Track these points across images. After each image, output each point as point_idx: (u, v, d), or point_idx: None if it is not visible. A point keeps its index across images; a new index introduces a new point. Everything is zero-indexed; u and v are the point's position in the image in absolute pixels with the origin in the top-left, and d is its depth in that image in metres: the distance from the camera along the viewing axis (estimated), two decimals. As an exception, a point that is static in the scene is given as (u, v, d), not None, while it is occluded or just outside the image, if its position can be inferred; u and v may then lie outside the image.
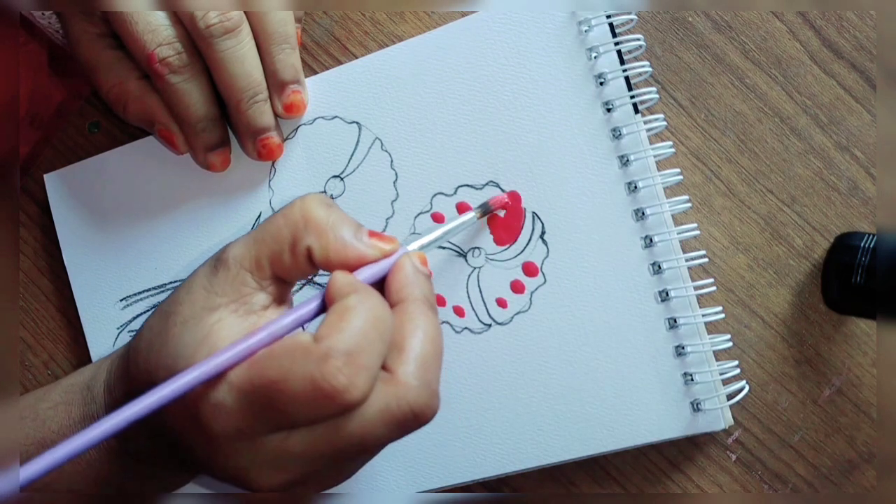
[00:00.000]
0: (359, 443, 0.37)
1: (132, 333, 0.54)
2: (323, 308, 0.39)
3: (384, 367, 0.38)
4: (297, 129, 0.52)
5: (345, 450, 0.37)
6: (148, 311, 0.54)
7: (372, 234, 0.41)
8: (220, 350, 0.37)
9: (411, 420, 0.37)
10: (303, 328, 0.39)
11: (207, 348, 0.38)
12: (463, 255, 0.50)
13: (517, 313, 0.50)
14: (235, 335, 0.38)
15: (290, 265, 0.40)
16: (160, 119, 0.49)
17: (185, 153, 0.51)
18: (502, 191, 0.49)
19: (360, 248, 0.40)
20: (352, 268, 0.40)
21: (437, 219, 0.50)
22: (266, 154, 0.50)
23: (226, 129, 0.51)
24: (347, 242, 0.40)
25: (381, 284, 0.40)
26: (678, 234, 0.48)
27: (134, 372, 0.42)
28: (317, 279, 0.52)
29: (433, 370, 0.39)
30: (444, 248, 0.50)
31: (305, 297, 0.51)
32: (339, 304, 0.37)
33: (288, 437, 0.37)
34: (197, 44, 0.47)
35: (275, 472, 0.38)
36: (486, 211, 0.48)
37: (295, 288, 0.52)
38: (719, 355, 0.49)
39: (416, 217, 0.50)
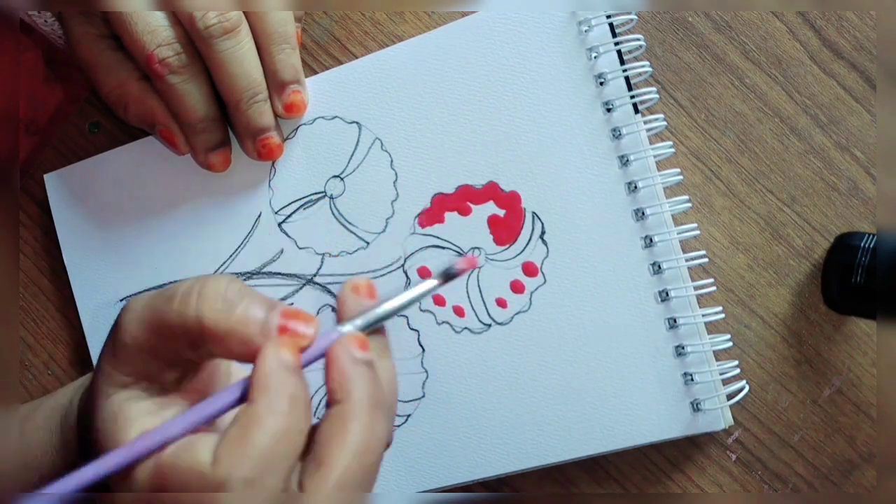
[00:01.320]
0: None
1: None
2: (244, 397, 0.35)
3: (300, 484, 0.34)
4: (297, 128, 0.52)
5: None
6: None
7: (286, 314, 0.36)
8: (125, 444, 0.35)
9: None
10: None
11: (113, 428, 0.36)
12: (463, 255, 0.50)
13: (517, 313, 0.50)
14: (140, 423, 0.36)
15: (196, 360, 0.37)
16: (161, 120, 0.49)
17: (186, 153, 0.51)
18: (503, 191, 0.49)
19: (268, 350, 0.35)
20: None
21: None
22: (266, 154, 0.50)
23: (226, 129, 0.51)
24: (253, 347, 0.35)
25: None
26: (678, 234, 0.48)
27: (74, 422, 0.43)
28: (317, 279, 0.52)
29: (353, 490, 0.34)
30: (444, 248, 0.50)
31: (305, 298, 0.51)
32: (245, 410, 0.34)
33: None
34: (196, 44, 0.47)
35: None
36: (450, 276, 0.39)
37: (295, 287, 0.52)
38: (719, 355, 0.49)
39: (415, 217, 0.50)
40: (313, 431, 0.36)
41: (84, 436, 0.43)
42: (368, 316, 0.37)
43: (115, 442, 0.36)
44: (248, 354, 0.35)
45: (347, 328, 0.37)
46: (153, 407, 0.37)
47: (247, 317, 0.35)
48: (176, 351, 0.36)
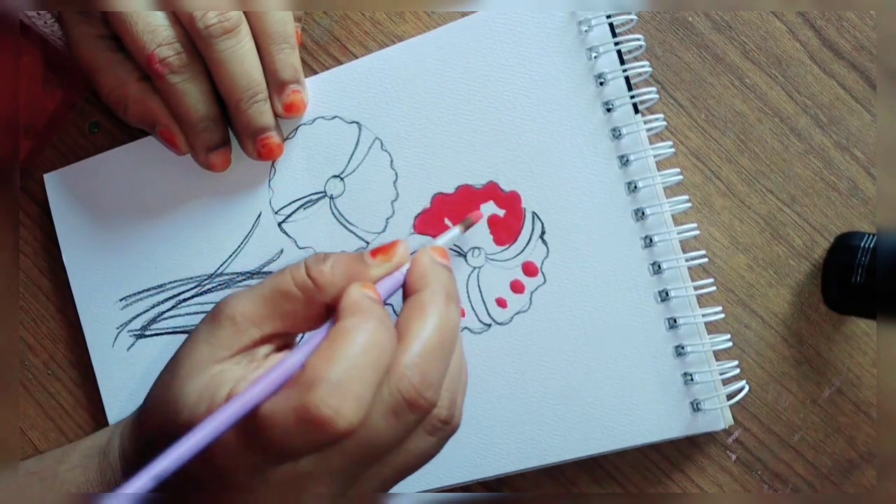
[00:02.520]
0: (368, 447, 0.37)
1: (132, 333, 0.54)
2: None
3: None
4: (297, 128, 0.52)
5: (359, 459, 0.37)
6: (148, 310, 0.54)
7: (376, 251, 0.41)
8: (234, 396, 0.36)
9: (405, 410, 0.37)
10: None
11: (209, 394, 0.38)
12: (462, 254, 0.50)
13: (517, 313, 0.50)
14: (238, 380, 0.38)
15: (305, 323, 0.40)
16: (161, 120, 0.49)
17: (186, 153, 0.51)
18: (503, 191, 0.49)
19: (371, 272, 0.40)
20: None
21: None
22: (266, 154, 0.50)
23: (226, 128, 0.51)
24: (356, 276, 0.40)
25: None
26: (678, 234, 0.48)
27: (140, 432, 0.43)
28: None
29: (434, 362, 0.38)
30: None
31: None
32: (336, 327, 0.37)
33: (297, 464, 0.37)
34: (196, 44, 0.47)
35: (298, 496, 0.38)
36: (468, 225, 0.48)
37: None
38: (719, 355, 0.49)
39: (416, 217, 0.50)
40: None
41: (136, 453, 0.44)
42: (440, 239, 0.45)
43: (206, 402, 0.38)
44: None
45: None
46: (244, 372, 0.39)
47: (343, 259, 0.40)
48: (288, 316, 0.40)
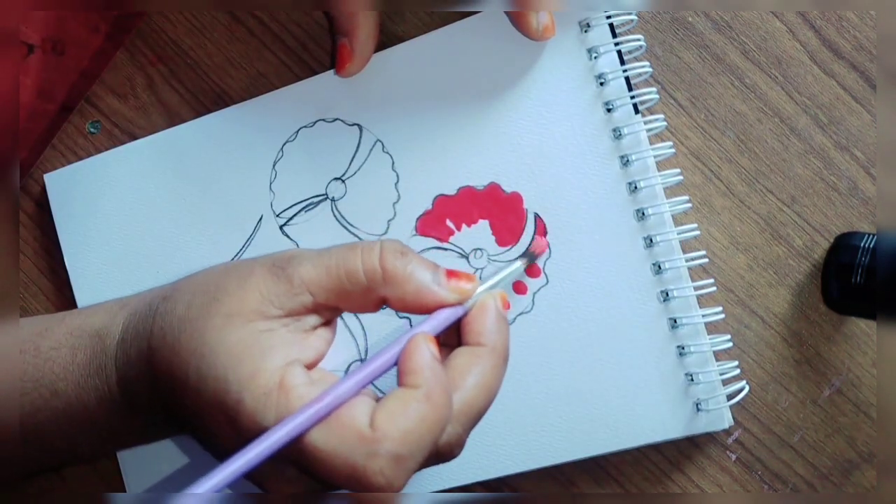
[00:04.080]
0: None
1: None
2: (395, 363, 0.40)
3: None
4: (297, 131, 0.52)
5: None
6: (148, 311, 0.54)
7: (450, 274, 0.41)
8: (299, 409, 0.37)
9: (433, 458, 0.39)
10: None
11: (255, 359, 0.38)
12: (465, 256, 0.50)
13: (519, 314, 0.50)
14: (285, 351, 0.39)
15: (359, 306, 0.41)
16: None
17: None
18: (504, 192, 0.49)
19: (440, 294, 0.40)
20: (430, 311, 0.41)
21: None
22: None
23: None
24: (424, 290, 0.40)
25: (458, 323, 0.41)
26: (678, 234, 0.48)
27: (157, 343, 0.42)
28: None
29: (471, 419, 0.39)
30: (446, 249, 0.50)
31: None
32: (404, 392, 0.37)
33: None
34: None
35: (293, 486, 0.39)
36: (532, 258, 0.49)
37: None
38: (719, 355, 0.49)
39: (417, 219, 0.50)
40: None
41: (146, 362, 0.43)
42: (495, 279, 0.44)
43: (250, 361, 0.38)
44: (419, 299, 0.40)
45: (482, 288, 0.42)
46: (295, 339, 0.40)
47: (421, 266, 0.41)
48: (345, 294, 0.40)
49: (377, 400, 0.38)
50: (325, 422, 0.37)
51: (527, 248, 0.49)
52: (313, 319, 0.41)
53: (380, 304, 0.41)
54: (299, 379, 0.38)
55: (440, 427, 0.37)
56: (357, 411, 0.37)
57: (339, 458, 0.36)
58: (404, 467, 0.36)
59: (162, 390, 0.41)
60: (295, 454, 0.37)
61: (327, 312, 0.41)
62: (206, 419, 0.39)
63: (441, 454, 0.39)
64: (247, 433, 0.37)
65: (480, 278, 0.48)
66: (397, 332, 0.50)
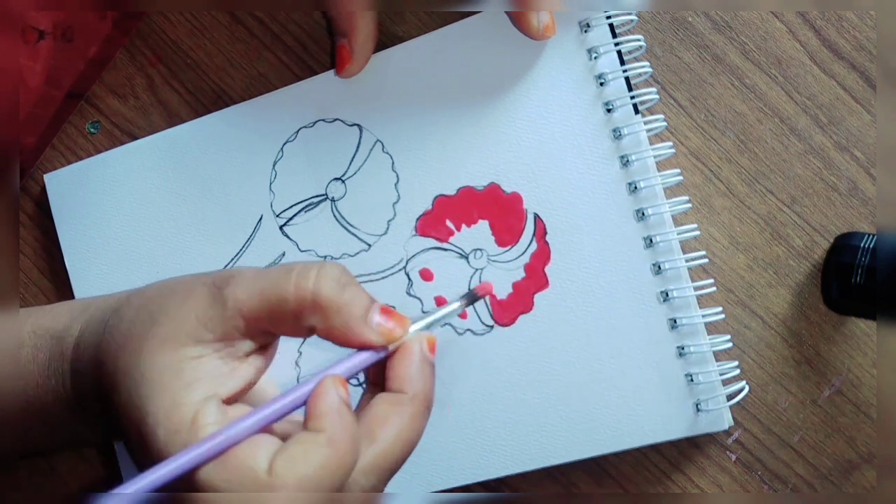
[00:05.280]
0: None
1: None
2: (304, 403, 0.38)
3: None
4: (297, 131, 0.52)
5: None
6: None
7: (384, 311, 0.40)
8: (204, 438, 0.36)
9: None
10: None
11: (176, 391, 0.38)
12: (465, 256, 0.50)
13: (520, 314, 0.50)
14: (207, 385, 0.38)
15: (290, 331, 0.40)
16: None
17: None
18: (504, 192, 0.49)
19: (365, 335, 0.39)
20: (355, 347, 0.40)
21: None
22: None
23: None
24: (352, 326, 0.39)
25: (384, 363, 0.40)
26: (678, 234, 0.48)
27: (103, 356, 0.42)
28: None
29: (387, 471, 0.38)
30: (446, 249, 0.50)
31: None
32: (307, 437, 0.37)
33: None
34: None
35: None
36: (473, 298, 0.47)
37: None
38: (719, 356, 0.49)
39: (417, 219, 0.50)
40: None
41: (94, 367, 0.43)
42: (429, 319, 0.42)
43: (170, 394, 0.37)
44: (345, 334, 0.39)
45: (416, 326, 0.41)
46: (221, 370, 0.39)
47: (355, 299, 0.39)
48: (276, 320, 0.39)
49: (285, 438, 0.37)
50: (220, 459, 0.36)
51: (469, 289, 0.49)
52: (246, 346, 0.40)
53: (310, 332, 0.40)
54: (211, 418, 0.37)
55: (343, 473, 0.36)
56: (257, 451, 0.36)
57: (234, 498, 0.35)
58: None
59: (104, 398, 0.42)
60: (191, 489, 0.36)
61: (261, 337, 0.40)
62: (128, 437, 0.40)
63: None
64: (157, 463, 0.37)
65: (425, 311, 0.48)
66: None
